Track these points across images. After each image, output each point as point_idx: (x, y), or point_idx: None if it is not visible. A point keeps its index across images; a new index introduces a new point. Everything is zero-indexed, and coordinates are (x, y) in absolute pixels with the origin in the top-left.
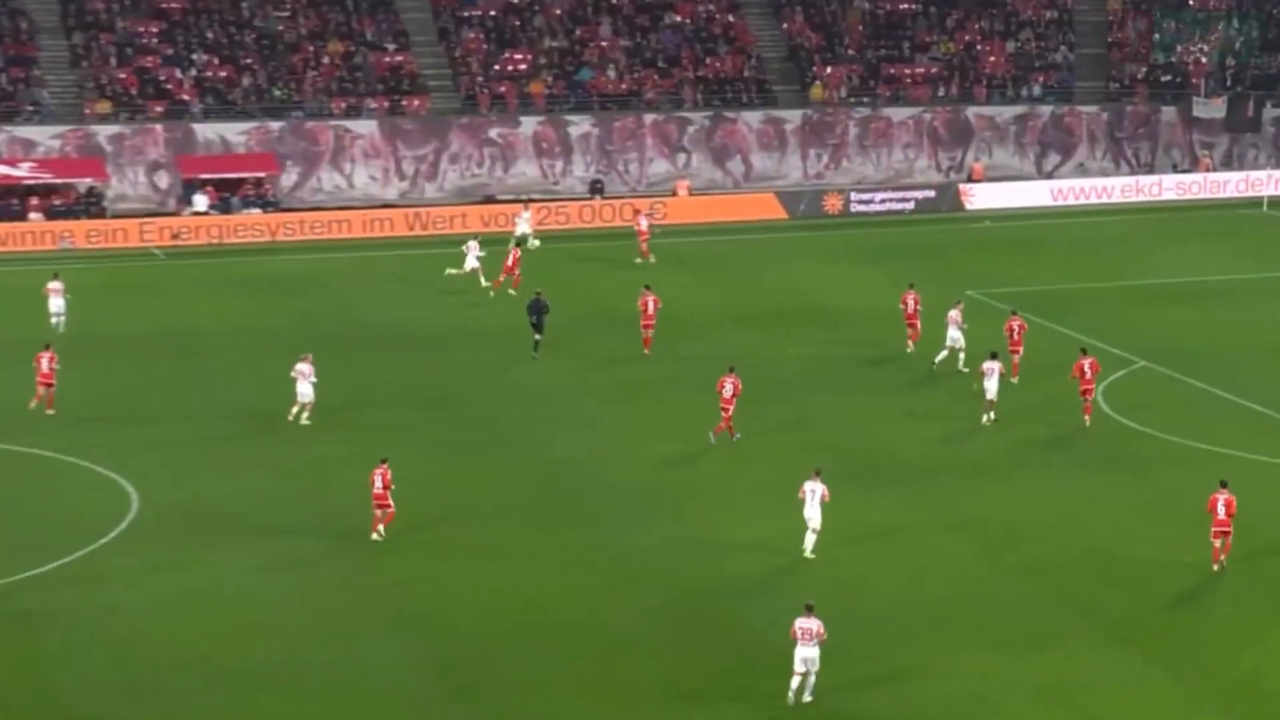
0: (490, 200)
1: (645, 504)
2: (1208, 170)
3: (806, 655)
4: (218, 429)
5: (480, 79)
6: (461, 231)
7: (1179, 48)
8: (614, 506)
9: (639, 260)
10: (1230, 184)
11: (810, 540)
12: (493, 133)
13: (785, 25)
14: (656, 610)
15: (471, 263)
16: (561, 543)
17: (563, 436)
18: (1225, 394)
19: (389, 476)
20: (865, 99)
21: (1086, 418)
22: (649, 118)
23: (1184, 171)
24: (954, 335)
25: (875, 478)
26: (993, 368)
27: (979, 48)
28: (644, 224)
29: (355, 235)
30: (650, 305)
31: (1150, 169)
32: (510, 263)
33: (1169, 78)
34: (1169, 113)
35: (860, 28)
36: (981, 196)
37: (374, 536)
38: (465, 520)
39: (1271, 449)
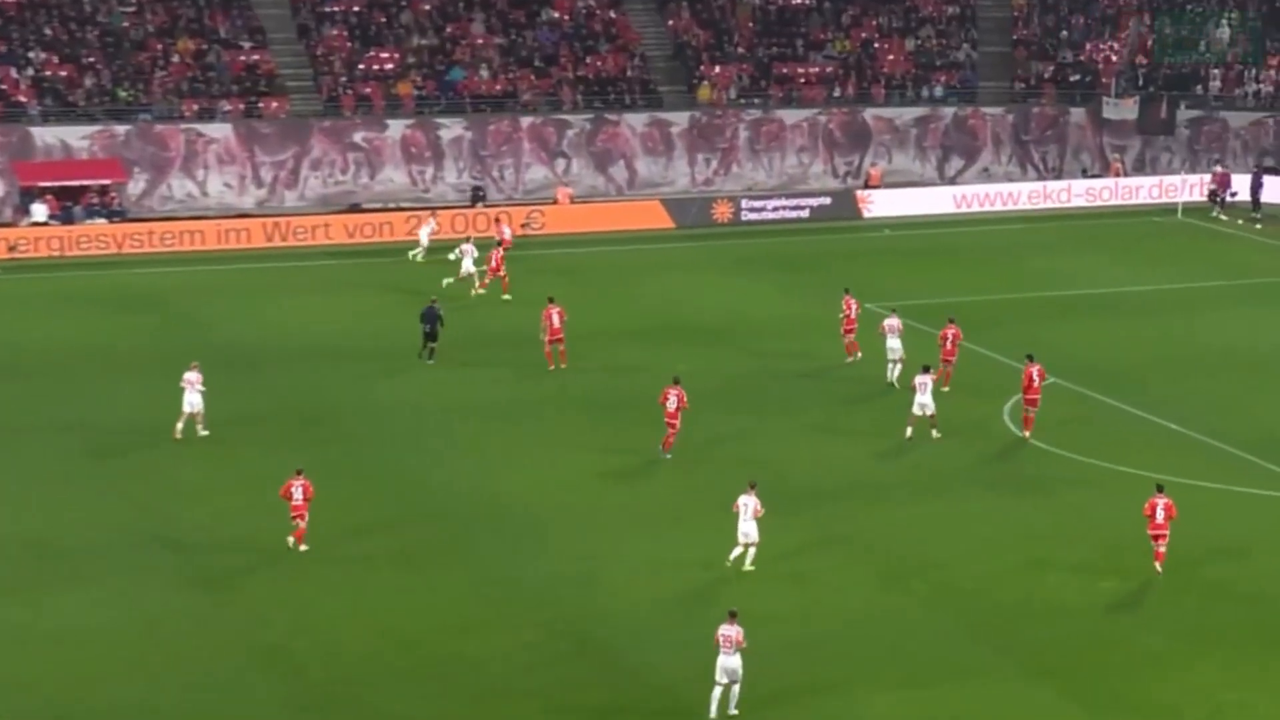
0: (355, 209)
1: (532, 532)
2: (1119, 175)
3: (727, 665)
4: (59, 456)
5: (343, 79)
6: (325, 242)
7: (1088, 45)
8: (499, 534)
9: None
10: (1143, 189)
11: (747, 554)
12: (357, 137)
13: (670, 21)
14: (540, 645)
15: (468, 266)
16: (441, 574)
17: (446, 459)
18: (1140, 412)
19: (311, 488)
20: (756, 100)
21: (1027, 432)
22: (526, 120)
23: (1094, 176)
24: (894, 345)
25: (779, 501)
26: (925, 381)
27: (876, 45)
28: (506, 233)
29: (209, 247)
30: (555, 318)
31: (1058, 174)
32: (495, 265)
33: (1077, 77)
34: (1078, 114)
35: (750, 24)
36: (880, 203)
37: (302, 548)
38: (336, 550)
39: (1189, 469)
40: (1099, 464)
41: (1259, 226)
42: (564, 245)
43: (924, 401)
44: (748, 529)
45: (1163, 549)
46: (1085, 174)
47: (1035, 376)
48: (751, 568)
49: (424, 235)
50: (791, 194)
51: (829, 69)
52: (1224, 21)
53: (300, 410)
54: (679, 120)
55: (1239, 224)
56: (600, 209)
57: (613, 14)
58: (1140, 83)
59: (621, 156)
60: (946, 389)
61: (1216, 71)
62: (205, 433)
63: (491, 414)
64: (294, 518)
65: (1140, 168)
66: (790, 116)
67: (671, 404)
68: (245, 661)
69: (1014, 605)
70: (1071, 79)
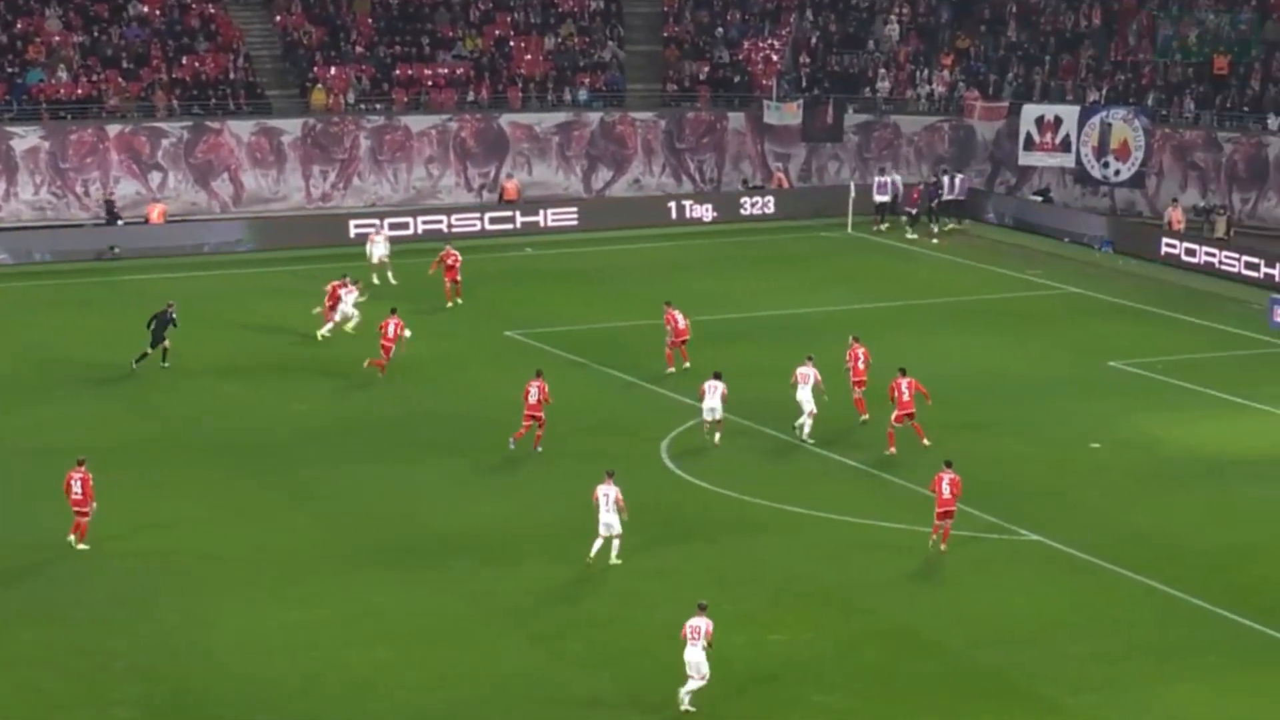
0: None
1: (131, 594)
2: (783, 186)
3: (692, 658)
4: None
5: None
6: None
7: (745, 44)
8: (91, 597)
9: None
10: (809, 201)
11: (611, 546)
12: None
13: (278, 17)
14: None
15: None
16: (19, 644)
17: (34, 513)
18: (812, 445)
19: (90, 482)
20: (378, 105)
21: (924, 440)
22: (113, 129)
23: (756, 188)
24: (804, 396)
25: (401, 556)
26: (715, 386)
27: (512, 44)
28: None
29: None
30: (392, 329)
31: (717, 185)
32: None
33: (736, 79)
34: (737, 119)
35: (370, 20)
36: (520, 219)
37: (81, 547)
38: None
39: (865, 507)
40: (766, 504)
41: (935, 241)
42: (158, 270)
43: (715, 405)
44: (609, 520)
45: (948, 525)
46: (746, 185)
47: (905, 389)
48: (618, 561)
49: (349, 304)
50: (421, 210)
51: (459, 70)
52: (893, 18)
53: None
54: (290, 128)
55: (913, 239)
56: (199, 228)
57: (211, 8)
58: (804, 85)
59: (225, 169)
60: (866, 416)
61: (885, 72)
62: None
63: (93, 458)
64: (75, 513)
65: (806, 177)
66: (417, 123)
67: (533, 396)
68: None
69: (678, 663)
70: (734, 80)
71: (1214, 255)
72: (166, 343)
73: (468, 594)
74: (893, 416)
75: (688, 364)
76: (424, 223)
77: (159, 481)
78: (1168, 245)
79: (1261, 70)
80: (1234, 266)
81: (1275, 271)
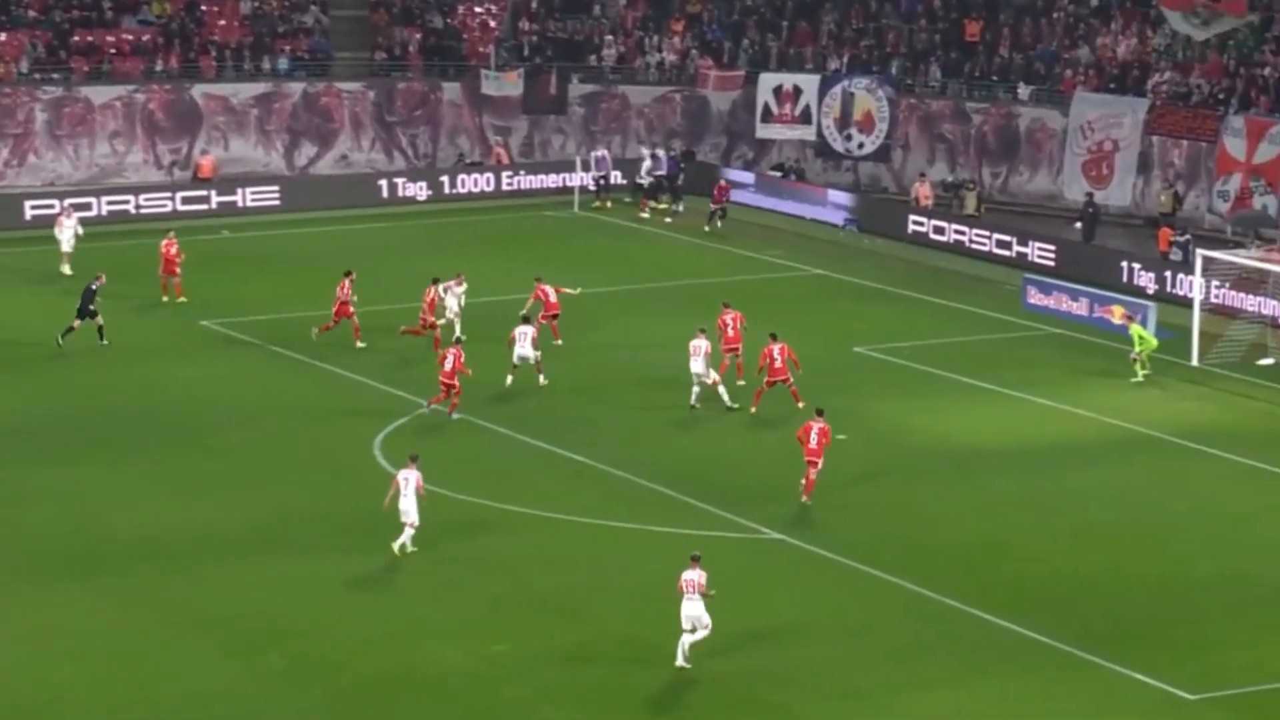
0: None
1: None
2: (502, 161)
3: (689, 611)
4: None
5: None
6: None
7: (460, 9)
8: None
9: None
10: (532, 178)
11: (405, 534)
12: None
13: None
14: None
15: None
16: None
17: None
18: (534, 440)
19: None
20: (55, 75)
21: (800, 403)
22: None
23: (473, 164)
24: (699, 369)
25: (84, 566)
26: (525, 332)
27: (204, 9)
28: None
29: None
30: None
31: (431, 161)
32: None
33: (451, 46)
34: (452, 90)
35: None
36: (216, 199)
37: None
38: None
39: (587, 507)
40: (485, 503)
41: (669, 220)
42: None
43: (526, 352)
44: (407, 507)
45: (814, 476)
46: (463, 161)
47: (777, 355)
48: (413, 549)
49: (456, 303)
50: (105, 190)
51: (145, 37)
52: None
53: None
54: None
55: (644, 216)
56: None
57: None
58: (524, 53)
59: None
60: (742, 380)
61: (612, 39)
62: None
63: None
64: None
65: (528, 152)
66: (99, 95)
67: (449, 364)
68: None
69: (390, 676)
70: (449, 48)
71: (964, 233)
72: (99, 319)
73: (157, 605)
74: (764, 381)
75: (559, 341)
76: (109, 203)
77: None
78: (915, 223)
79: (1011, 36)
80: (985, 245)
81: (1028, 250)
